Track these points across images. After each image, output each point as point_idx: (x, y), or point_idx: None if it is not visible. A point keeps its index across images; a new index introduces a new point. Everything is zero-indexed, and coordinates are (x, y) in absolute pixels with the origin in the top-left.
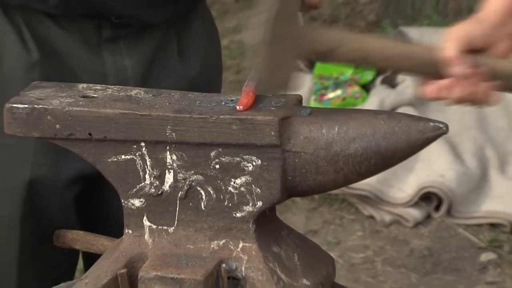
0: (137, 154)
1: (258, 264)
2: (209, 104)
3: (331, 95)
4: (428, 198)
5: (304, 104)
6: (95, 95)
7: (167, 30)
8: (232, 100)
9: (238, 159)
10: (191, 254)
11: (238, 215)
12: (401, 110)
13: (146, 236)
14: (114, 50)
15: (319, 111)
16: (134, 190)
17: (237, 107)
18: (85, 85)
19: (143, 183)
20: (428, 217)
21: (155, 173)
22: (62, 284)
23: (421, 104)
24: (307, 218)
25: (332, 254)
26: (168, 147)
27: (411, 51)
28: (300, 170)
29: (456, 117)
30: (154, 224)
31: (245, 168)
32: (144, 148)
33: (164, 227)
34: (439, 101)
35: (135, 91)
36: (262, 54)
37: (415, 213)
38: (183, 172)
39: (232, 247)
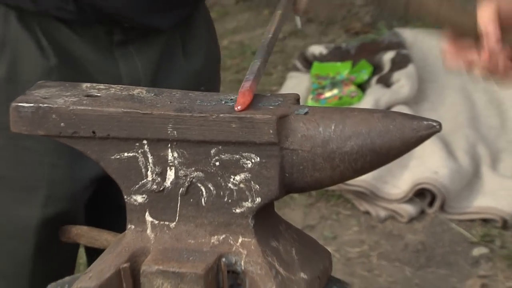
0: (139, 151)
1: (257, 258)
2: (209, 103)
3: (328, 94)
4: (422, 194)
5: (301, 103)
6: (99, 94)
7: (172, 31)
8: (231, 99)
9: (237, 156)
10: (192, 248)
11: (238, 210)
12: (395, 108)
13: (148, 231)
14: (125, 53)
15: (316, 109)
16: (137, 186)
17: (235, 108)
18: (88, 85)
19: (145, 180)
20: (422, 212)
21: (157, 170)
22: (66, 278)
23: (415, 103)
24: (305, 213)
25: (329, 249)
26: (169, 145)
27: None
28: (297, 167)
29: (449, 115)
30: (156, 220)
31: (244, 165)
32: (146, 146)
33: (165, 223)
34: (460, 69)
35: (137, 90)
36: None
37: (409, 209)
38: (184, 169)
39: (231, 242)
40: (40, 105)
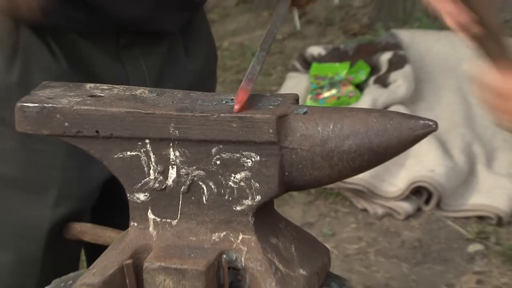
0: (142, 150)
1: (257, 255)
2: (210, 103)
3: (326, 94)
4: (418, 192)
5: (300, 103)
6: (102, 95)
7: (175, 33)
8: (232, 99)
9: (238, 155)
10: (193, 245)
11: (238, 208)
12: (393, 108)
13: (151, 228)
14: (131, 55)
15: (315, 109)
16: (139, 184)
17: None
18: (92, 85)
19: (147, 178)
20: (419, 210)
21: (159, 168)
22: (70, 274)
23: (411, 103)
24: (304, 211)
25: (328, 245)
26: (171, 144)
27: None
28: (297, 166)
29: (445, 115)
30: (158, 217)
31: (244, 164)
32: (148, 145)
33: (167, 220)
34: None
35: (140, 91)
36: None
37: (406, 206)
38: (185, 167)
39: (232, 239)
40: (45, 105)
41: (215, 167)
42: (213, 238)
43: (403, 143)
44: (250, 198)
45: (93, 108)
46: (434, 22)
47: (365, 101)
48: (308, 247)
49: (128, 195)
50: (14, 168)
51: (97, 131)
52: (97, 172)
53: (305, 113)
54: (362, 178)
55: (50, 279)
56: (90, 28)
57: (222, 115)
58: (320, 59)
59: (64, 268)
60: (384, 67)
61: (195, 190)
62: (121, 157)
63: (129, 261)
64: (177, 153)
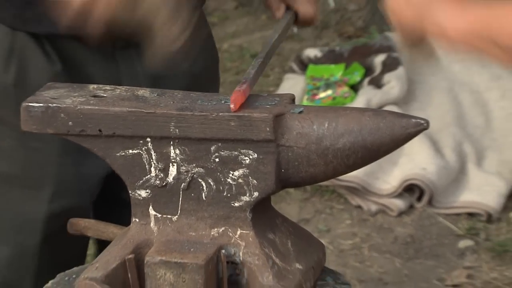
0: (143, 148)
1: (255, 250)
2: (210, 102)
3: (322, 94)
4: (411, 190)
5: (297, 103)
6: (105, 95)
7: None
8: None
9: (236, 153)
10: (193, 240)
11: (236, 204)
12: (386, 108)
13: (152, 224)
14: (127, 57)
15: (310, 108)
16: (141, 182)
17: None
18: (95, 86)
19: (149, 175)
20: (411, 207)
21: (160, 166)
22: (74, 268)
23: (404, 103)
24: (300, 207)
25: (323, 241)
26: (171, 142)
27: None
28: (293, 163)
29: (437, 115)
30: (159, 213)
31: (242, 161)
32: (149, 143)
33: (168, 216)
34: None
35: (141, 91)
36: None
37: (399, 203)
38: (185, 165)
39: (230, 234)
40: (49, 105)
41: (214, 165)
42: (212, 233)
43: (396, 141)
44: (248, 194)
45: (96, 108)
46: None
47: (359, 102)
48: (304, 242)
49: (130, 191)
50: (11, 165)
51: (100, 130)
52: (93, 170)
53: (301, 112)
54: (356, 176)
55: (50, 272)
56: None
57: (221, 114)
58: (316, 61)
59: (64, 262)
60: (378, 69)
61: (194, 187)
62: (123, 155)
63: (131, 256)
64: (177, 151)
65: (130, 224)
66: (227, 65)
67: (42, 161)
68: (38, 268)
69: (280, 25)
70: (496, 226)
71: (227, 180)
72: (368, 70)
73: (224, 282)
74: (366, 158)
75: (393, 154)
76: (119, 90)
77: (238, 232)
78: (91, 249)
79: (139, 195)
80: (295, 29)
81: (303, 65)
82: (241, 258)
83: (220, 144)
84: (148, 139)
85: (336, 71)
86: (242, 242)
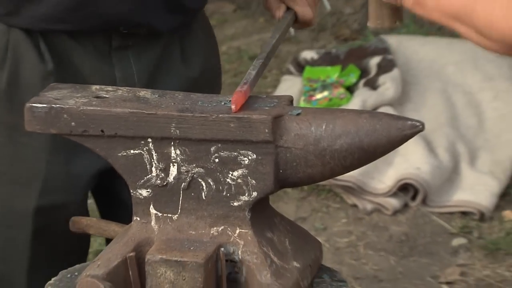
0: (144, 149)
1: (253, 248)
2: (210, 104)
3: (318, 96)
4: (405, 189)
5: (294, 104)
6: (107, 96)
7: (171, 37)
8: (230, 101)
9: (235, 153)
10: (193, 239)
11: (235, 204)
12: (381, 109)
13: (153, 223)
14: (123, 58)
15: (308, 110)
16: (142, 181)
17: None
18: (97, 87)
19: (150, 175)
20: (406, 205)
21: (160, 166)
22: (76, 266)
23: (399, 104)
24: (297, 206)
25: (320, 239)
26: (172, 143)
27: None
28: (291, 164)
29: (431, 116)
30: (160, 212)
31: (241, 161)
32: (151, 144)
33: (168, 215)
34: None
35: (143, 92)
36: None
37: (394, 202)
38: (186, 165)
39: (230, 233)
40: (53, 105)
41: (213, 165)
42: (212, 232)
43: (392, 143)
44: (246, 194)
45: (99, 108)
46: (421, 28)
47: (355, 103)
48: (302, 240)
49: (131, 191)
50: (1, 161)
51: (102, 131)
52: (83, 167)
53: (299, 114)
54: (352, 175)
55: (44, 267)
56: (82, 26)
57: (220, 115)
58: (313, 63)
59: (60, 257)
60: (373, 71)
61: (194, 186)
62: (124, 155)
63: (132, 254)
64: (178, 152)
65: (130, 222)
66: (226, 67)
67: (31, 157)
68: (31, 262)
69: (281, 25)
70: (489, 224)
71: (226, 180)
72: (364, 72)
73: (223, 280)
74: (363, 159)
75: (388, 154)
76: (121, 91)
77: (237, 231)
78: (92, 246)
79: (140, 194)
80: (292, 32)
81: (300, 67)
82: (240, 257)
83: (219, 145)
84: (149, 140)
85: (332, 73)
86: (241, 241)
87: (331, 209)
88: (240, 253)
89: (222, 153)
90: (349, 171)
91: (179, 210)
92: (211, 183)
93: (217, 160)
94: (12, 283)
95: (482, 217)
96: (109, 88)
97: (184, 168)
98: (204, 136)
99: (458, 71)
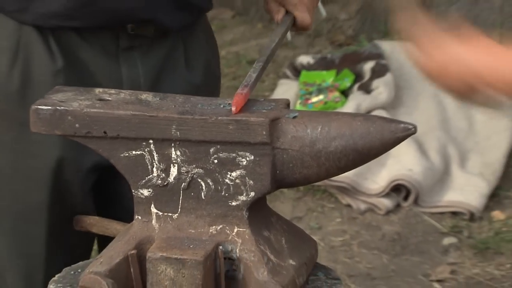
0: (146, 150)
1: (251, 247)
2: (209, 106)
3: (314, 99)
4: (398, 189)
5: (291, 107)
6: (110, 99)
7: (176, 41)
8: (229, 104)
9: (234, 155)
10: (192, 237)
11: (234, 203)
12: (375, 112)
13: (153, 221)
14: (129, 58)
15: (304, 113)
16: (143, 181)
17: (232, 109)
18: (101, 90)
19: (151, 175)
20: (398, 206)
21: (161, 166)
22: (80, 263)
23: (392, 108)
24: (293, 206)
25: (315, 238)
26: (173, 144)
27: None
28: (287, 165)
29: (423, 119)
30: (160, 211)
31: (240, 162)
32: (152, 145)
33: (169, 214)
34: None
35: (144, 95)
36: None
37: (386, 202)
38: (186, 166)
39: (228, 232)
40: (57, 107)
41: (213, 166)
42: (211, 230)
43: (385, 145)
44: (244, 194)
45: (102, 110)
46: None
47: (349, 106)
48: (298, 239)
49: (133, 190)
50: (15, 157)
51: (105, 132)
52: (92, 164)
53: (295, 117)
54: (346, 176)
55: (59, 263)
56: (90, 22)
57: (219, 118)
58: (309, 67)
59: (73, 254)
60: (367, 75)
61: (194, 186)
62: (127, 156)
63: (133, 251)
64: (178, 153)
65: (132, 220)
66: (225, 71)
67: (43, 154)
68: (47, 257)
69: (280, 29)
70: (478, 224)
71: (225, 181)
72: (358, 76)
73: (221, 278)
74: (357, 161)
75: (381, 156)
76: (123, 94)
77: (235, 230)
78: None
79: (142, 194)
80: (289, 36)
81: (297, 71)
82: (238, 255)
83: (218, 146)
84: (151, 141)
85: (328, 77)
86: (239, 239)
87: (326, 208)
88: (238, 251)
89: (221, 154)
90: (344, 172)
91: (179, 210)
92: (210, 183)
93: (216, 161)
94: (30, 278)
95: (472, 217)
96: (112, 91)
97: (184, 168)
98: (203, 138)
99: None
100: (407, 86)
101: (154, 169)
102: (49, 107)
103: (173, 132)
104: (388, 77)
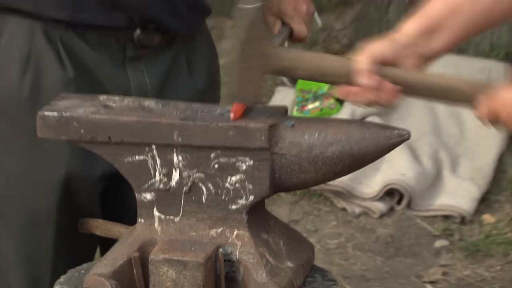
0: (148, 155)
1: (250, 249)
2: (210, 113)
3: (310, 106)
4: (391, 193)
5: (288, 113)
6: (114, 105)
7: (178, 50)
8: (229, 111)
9: (233, 159)
10: (193, 240)
11: (233, 207)
12: (369, 119)
13: (156, 224)
14: (136, 67)
15: (302, 120)
16: (146, 185)
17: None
18: (105, 97)
19: (153, 180)
20: (391, 209)
21: (163, 171)
22: (84, 265)
23: (386, 114)
24: (290, 209)
25: (311, 240)
26: (175, 149)
27: (332, 63)
28: (285, 170)
29: (415, 125)
30: (163, 214)
31: (239, 167)
32: (154, 150)
33: (171, 217)
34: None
35: (147, 102)
36: (234, 72)
37: (380, 206)
38: (187, 170)
39: (228, 234)
40: (63, 114)
41: (213, 170)
42: (211, 233)
43: (380, 150)
44: (244, 198)
45: (106, 117)
46: None
47: (345, 113)
48: (295, 242)
49: (136, 194)
50: (24, 164)
51: (109, 138)
52: (98, 169)
53: (292, 125)
54: (341, 181)
55: (65, 266)
56: (100, 20)
57: (220, 124)
58: None
59: (79, 258)
60: None
61: (195, 190)
62: (130, 161)
63: (136, 254)
64: (180, 158)
65: (135, 224)
66: (224, 79)
67: (52, 160)
68: (54, 261)
69: (277, 40)
70: (469, 227)
71: (225, 185)
72: None
73: (221, 279)
74: (353, 166)
75: (375, 161)
76: (127, 101)
77: (235, 233)
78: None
79: (145, 197)
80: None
81: (293, 79)
82: (237, 257)
83: (219, 151)
84: (153, 146)
85: (323, 85)
86: (239, 242)
87: (322, 212)
88: (237, 254)
89: (221, 159)
90: (340, 177)
91: (181, 213)
92: (211, 187)
93: (216, 165)
94: (35, 280)
95: (463, 220)
96: (116, 97)
97: (186, 173)
98: (204, 143)
99: None
100: None
101: (157, 174)
102: (55, 114)
103: (175, 138)
104: None
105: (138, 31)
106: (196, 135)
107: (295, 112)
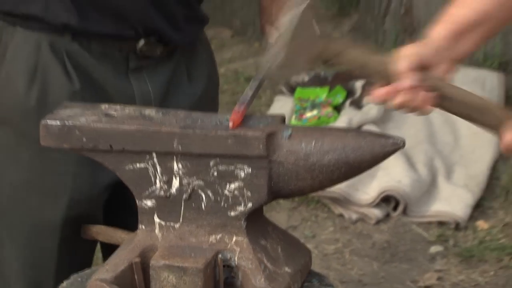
0: (149, 163)
1: (248, 255)
2: (209, 122)
3: (308, 114)
4: (387, 200)
5: (286, 122)
6: (115, 114)
7: (179, 61)
8: (228, 119)
9: (232, 167)
10: (193, 246)
11: (232, 214)
12: (366, 127)
13: (157, 231)
14: (139, 77)
15: (299, 129)
16: (147, 192)
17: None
18: (106, 106)
19: (154, 187)
20: (388, 215)
21: (164, 178)
22: (87, 270)
23: (382, 123)
24: (288, 216)
25: (309, 246)
26: (175, 157)
27: (375, 62)
28: (283, 177)
29: (411, 133)
30: (163, 221)
31: (238, 175)
32: (155, 158)
33: (171, 224)
34: (384, 103)
35: (147, 111)
36: (282, 44)
37: (376, 212)
38: (187, 178)
39: (227, 241)
40: (65, 122)
41: (212, 178)
42: (211, 239)
43: (375, 158)
44: (242, 205)
45: (108, 125)
46: None
47: (342, 121)
48: (293, 247)
49: (137, 201)
50: (31, 174)
51: (110, 146)
52: (104, 178)
53: (290, 135)
54: (339, 187)
55: (67, 273)
56: (103, 30)
57: (219, 132)
58: (303, 84)
59: (79, 264)
60: (358, 92)
61: (195, 197)
62: (131, 168)
63: (137, 259)
64: (180, 165)
65: (136, 229)
66: (224, 87)
67: (59, 170)
68: (58, 268)
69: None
70: (464, 233)
71: (224, 192)
72: (350, 93)
73: (220, 284)
74: (349, 173)
75: (371, 168)
76: (128, 109)
77: (234, 239)
78: (98, 251)
79: (145, 204)
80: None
81: (292, 88)
82: (236, 262)
83: (218, 159)
84: (154, 154)
85: (321, 94)
86: (237, 248)
87: (320, 218)
88: (236, 259)
89: (220, 167)
90: (337, 184)
91: (181, 219)
92: (210, 194)
93: (215, 173)
94: (39, 287)
95: (457, 226)
96: (117, 106)
97: (186, 180)
98: (204, 151)
99: None
100: None
101: (157, 181)
102: (58, 122)
103: (175, 146)
104: None
105: (142, 42)
106: (195, 143)
107: (293, 120)
